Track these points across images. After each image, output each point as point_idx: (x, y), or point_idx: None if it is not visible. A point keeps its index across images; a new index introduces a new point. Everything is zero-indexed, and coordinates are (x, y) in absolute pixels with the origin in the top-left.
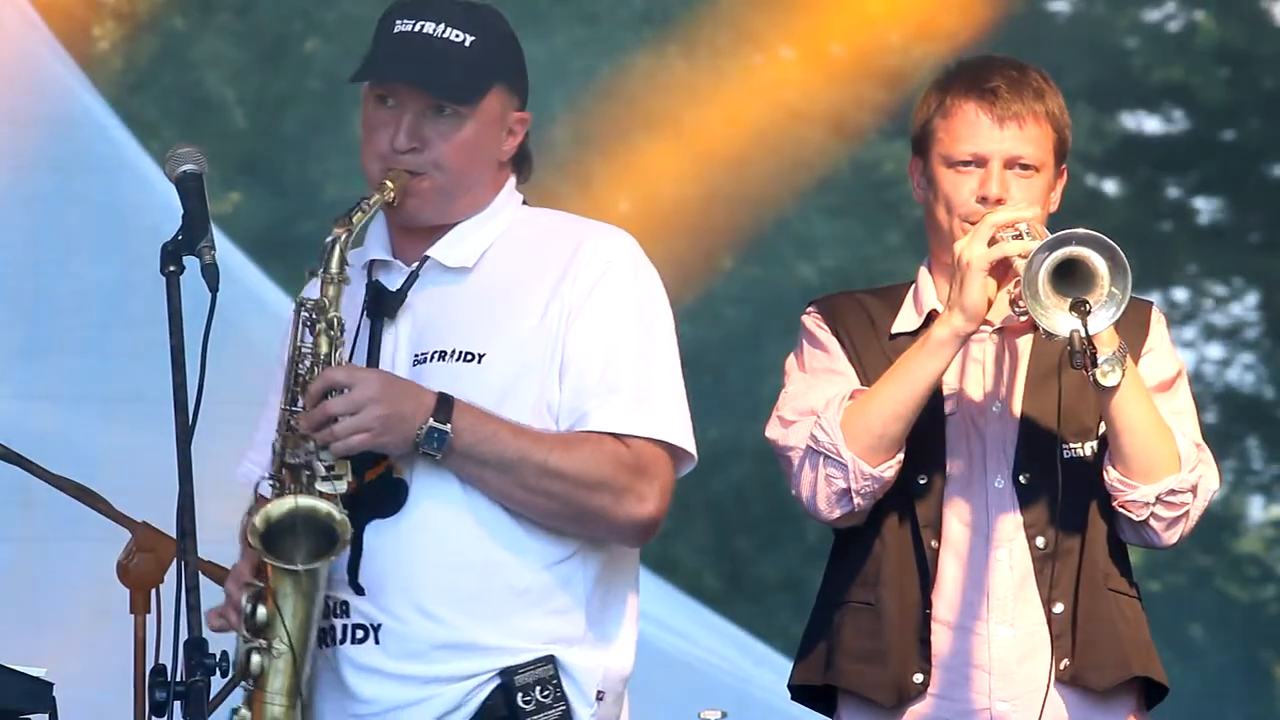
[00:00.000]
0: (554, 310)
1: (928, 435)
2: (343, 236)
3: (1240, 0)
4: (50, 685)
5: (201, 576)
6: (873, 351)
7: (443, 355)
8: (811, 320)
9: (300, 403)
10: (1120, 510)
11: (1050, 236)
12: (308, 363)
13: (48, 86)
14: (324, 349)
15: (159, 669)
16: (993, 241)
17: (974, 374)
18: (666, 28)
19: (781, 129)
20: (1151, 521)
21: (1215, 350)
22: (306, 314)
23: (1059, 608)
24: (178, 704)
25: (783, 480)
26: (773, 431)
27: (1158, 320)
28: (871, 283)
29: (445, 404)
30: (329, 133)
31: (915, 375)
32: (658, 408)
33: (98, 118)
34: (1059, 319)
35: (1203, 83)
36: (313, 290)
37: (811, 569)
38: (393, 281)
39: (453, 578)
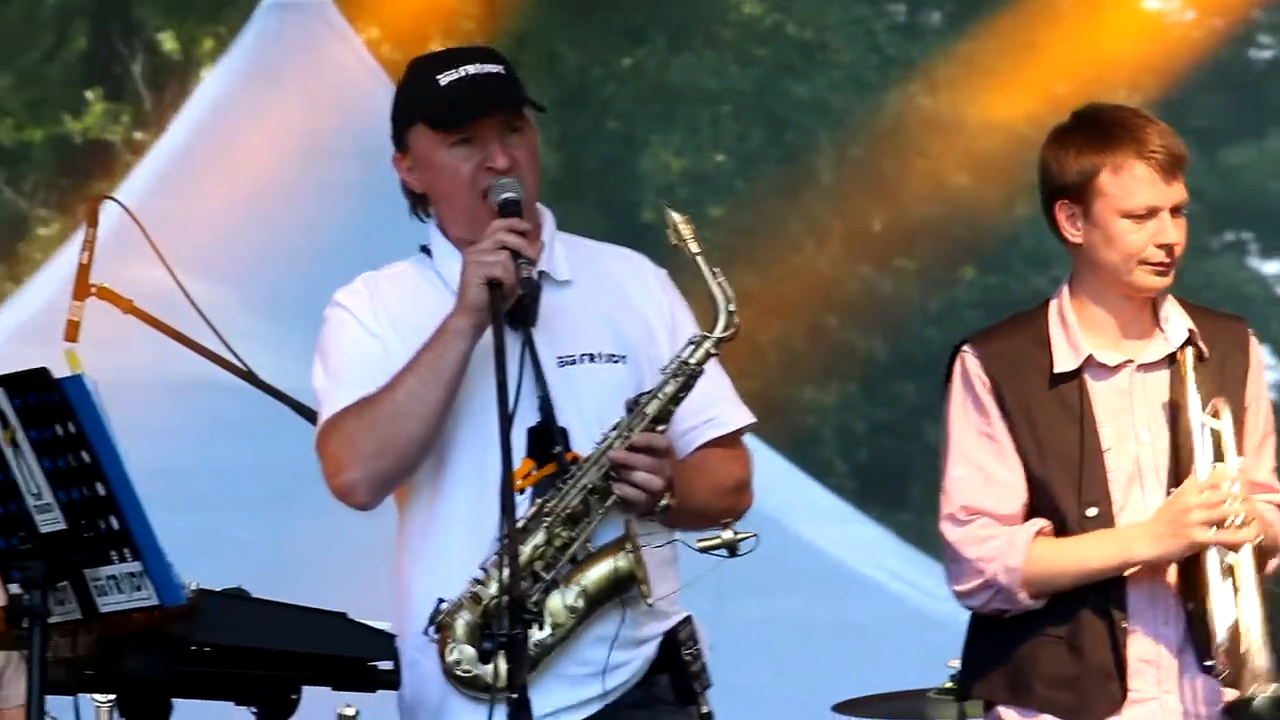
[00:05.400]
0: (655, 322)
1: (1093, 470)
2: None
3: None
4: (394, 637)
5: None
6: (1034, 401)
7: (590, 357)
8: (975, 366)
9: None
10: None
11: None
12: (659, 400)
13: (389, 129)
14: (672, 389)
15: (486, 623)
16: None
17: (1123, 407)
18: (910, 70)
19: (1014, 156)
20: None
21: None
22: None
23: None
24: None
25: None
26: (949, 531)
27: (1255, 349)
28: None
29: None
30: (621, 168)
31: (1112, 566)
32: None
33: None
34: None
35: None
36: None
37: None
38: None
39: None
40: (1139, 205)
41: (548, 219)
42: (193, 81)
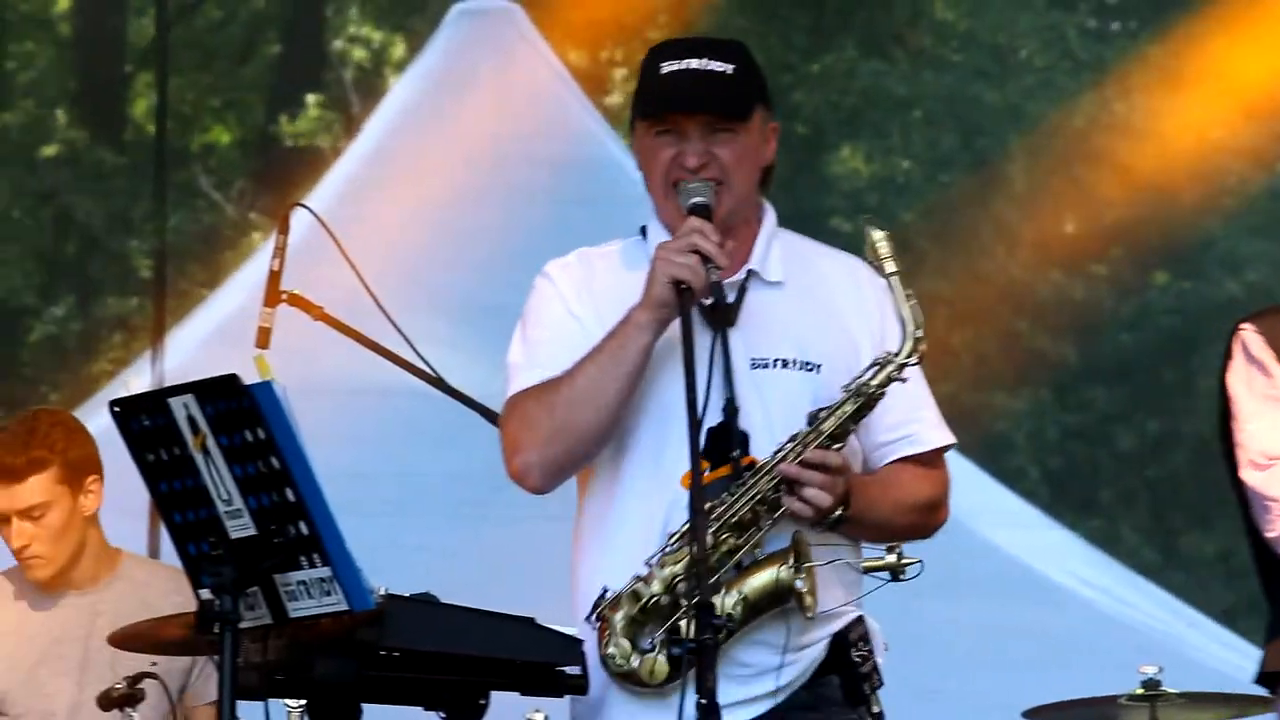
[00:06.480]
0: (861, 334)
1: None
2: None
3: None
4: (581, 642)
5: None
6: None
7: (784, 363)
8: (1255, 341)
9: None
10: None
11: None
12: (836, 418)
13: (579, 135)
14: (850, 410)
15: (673, 628)
16: None
17: None
18: (1104, 75)
19: (1207, 160)
20: None
21: None
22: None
23: None
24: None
25: (1214, 467)
26: (1250, 476)
27: None
28: None
29: (846, 491)
30: (809, 173)
31: None
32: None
33: (618, 159)
34: None
35: None
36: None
37: (1242, 544)
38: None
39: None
40: None
41: (768, 216)
42: (383, 88)
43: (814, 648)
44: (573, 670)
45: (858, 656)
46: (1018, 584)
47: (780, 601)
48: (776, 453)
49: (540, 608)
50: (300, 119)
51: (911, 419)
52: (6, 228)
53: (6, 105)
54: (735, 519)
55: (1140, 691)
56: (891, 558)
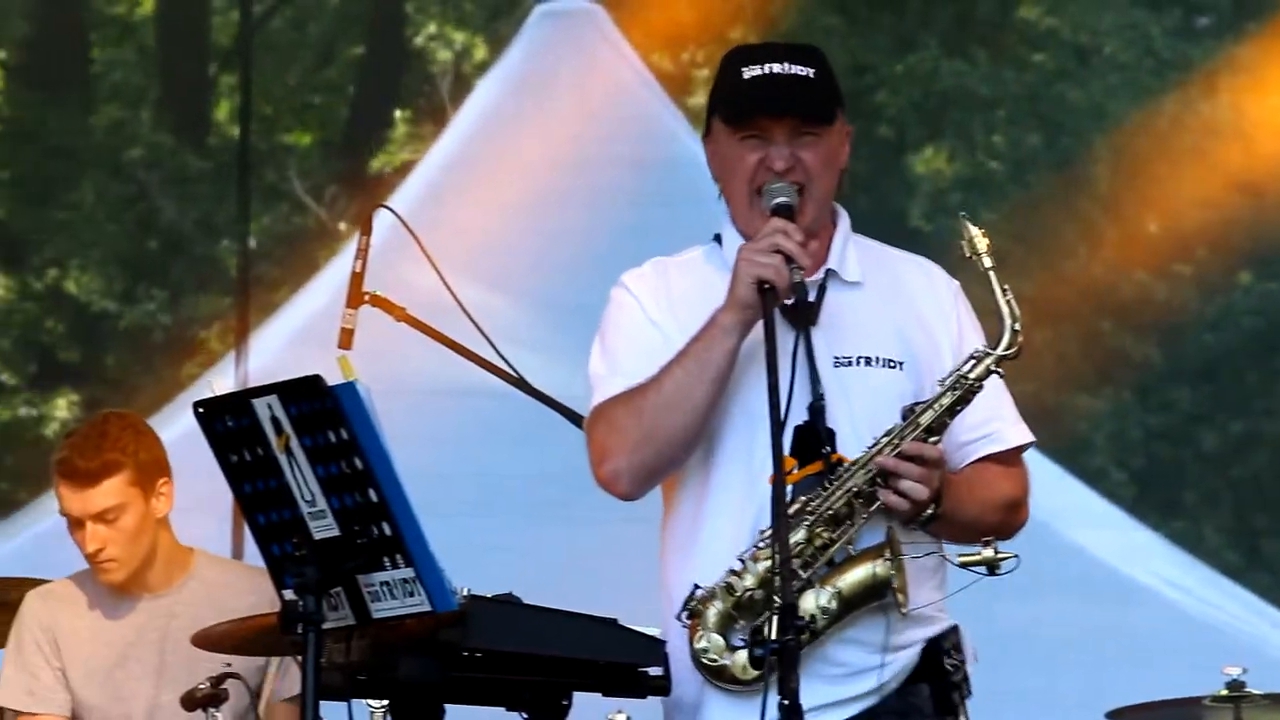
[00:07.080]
0: (940, 332)
1: None
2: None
3: None
4: (663, 643)
5: None
6: None
7: (867, 360)
8: None
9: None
10: None
11: None
12: (933, 411)
13: (662, 136)
14: (947, 402)
15: (758, 629)
16: None
17: None
18: (1189, 74)
19: None
20: None
21: None
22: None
23: None
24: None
25: None
26: None
27: None
28: None
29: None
30: (892, 174)
31: None
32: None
33: (701, 160)
34: None
35: None
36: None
37: None
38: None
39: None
40: None
41: (843, 220)
42: (465, 91)
43: (908, 651)
44: (655, 671)
45: (950, 665)
46: (1101, 585)
47: (876, 597)
48: (872, 446)
49: (622, 608)
50: (391, 143)
51: (993, 417)
52: (89, 231)
53: (91, 108)
54: (830, 513)
55: (1224, 693)
56: (988, 552)
